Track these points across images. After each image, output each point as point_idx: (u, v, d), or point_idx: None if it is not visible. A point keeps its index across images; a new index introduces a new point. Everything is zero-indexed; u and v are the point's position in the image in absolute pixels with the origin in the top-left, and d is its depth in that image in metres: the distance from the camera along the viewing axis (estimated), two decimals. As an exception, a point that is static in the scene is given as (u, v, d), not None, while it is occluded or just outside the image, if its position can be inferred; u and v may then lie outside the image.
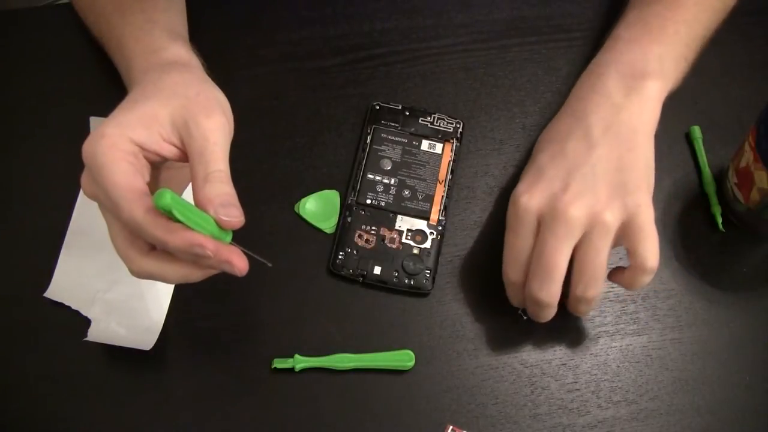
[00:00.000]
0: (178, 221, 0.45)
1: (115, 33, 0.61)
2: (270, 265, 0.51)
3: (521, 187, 0.57)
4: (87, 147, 0.47)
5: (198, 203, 0.47)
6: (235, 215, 0.47)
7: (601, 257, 0.53)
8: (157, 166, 0.50)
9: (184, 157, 0.49)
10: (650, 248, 0.53)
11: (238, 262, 0.48)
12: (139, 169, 0.48)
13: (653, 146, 0.56)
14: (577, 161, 0.55)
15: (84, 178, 0.49)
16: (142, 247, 0.48)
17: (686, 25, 0.61)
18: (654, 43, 0.59)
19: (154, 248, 0.48)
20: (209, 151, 0.48)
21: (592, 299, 0.55)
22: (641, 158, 0.55)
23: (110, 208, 0.47)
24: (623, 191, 0.53)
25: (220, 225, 0.47)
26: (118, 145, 0.47)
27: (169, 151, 0.49)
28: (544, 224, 0.54)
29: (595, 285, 0.54)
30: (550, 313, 0.56)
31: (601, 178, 0.54)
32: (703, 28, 0.62)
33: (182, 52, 0.57)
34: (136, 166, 0.47)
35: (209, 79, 0.54)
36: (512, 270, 0.56)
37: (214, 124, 0.49)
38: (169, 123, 0.49)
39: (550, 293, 0.54)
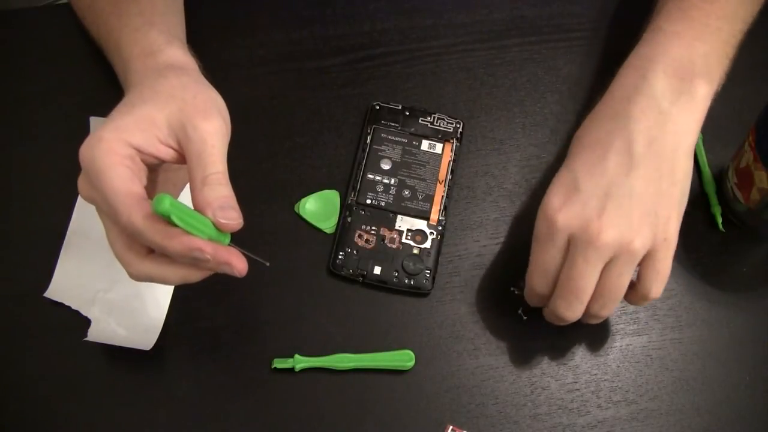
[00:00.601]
0: (177, 226, 0.45)
1: (113, 35, 0.61)
2: (267, 264, 0.51)
3: (555, 201, 0.54)
4: (84, 151, 0.47)
5: (196, 206, 0.47)
6: (233, 218, 0.47)
7: (623, 281, 0.53)
8: (153, 168, 0.51)
9: (182, 159, 0.49)
10: (659, 283, 0.54)
11: (237, 264, 0.48)
12: (137, 173, 0.48)
13: (692, 160, 0.55)
14: (615, 181, 0.53)
15: (81, 181, 0.49)
16: (140, 250, 0.48)
17: (727, 21, 0.59)
18: (698, 40, 0.57)
19: (152, 251, 0.49)
20: (207, 153, 0.48)
21: (605, 317, 0.56)
22: (678, 184, 0.54)
23: (108, 213, 0.47)
24: (655, 220, 0.53)
25: (218, 228, 0.47)
26: (116, 149, 0.47)
27: (166, 153, 0.49)
28: (575, 246, 0.53)
29: (612, 305, 0.54)
30: (568, 323, 0.56)
31: (637, 203, 0.53)
32: (742, 22, 0.60)
33: (179, 54, 0.57)
34: (134, 170, 0.48)
35: (206, 82, 0.54)
36: (539, 283, 0.56)
37: (212, 127, 0.49)
38: (167, 126, 0.49)
39: (575, 313, 0.54)
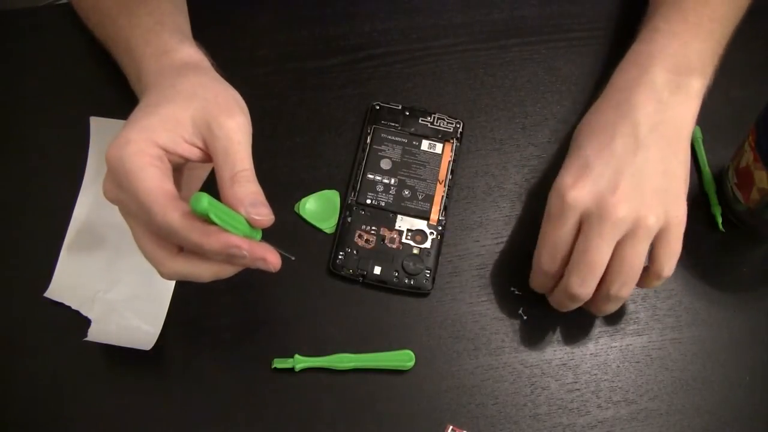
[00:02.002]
0: (213, 223, 0.45)
1: (122, 35, 0.61)
2: (293, 258, 0.52)
3: (567, 179, 0.55)
4: (113, 153, 0.47)
5: (227, 203, 0.47)
6: (265, 214, 0.48)
7: (640, 258, 0.54)
8: (177, 168, 0.51)
9: (207, 158, 0.50)
10: (673, 260, 0.55)
11: (272, 259, 0.48)
12: (165, 173, 0.48)
13: (690, 150, 0.57)
14: (624, 160, 0.55)
15: (107, 184, 0.49)
16: (170, 248, 0.48)
17: (719, 23, 0.62)
18: (694, 40, 0.60)
19: (182, 249, 0.49)
20: (234, 150, 0.48)
21: (624, 298, 0.55)
22: (683, 163, 0.56)
23: (139, 213, 0.47)
24: (666, 198, 0.54)
25: (251, 224, 0.47)
26: (145, 150, 0.47)
27: (191, 152, 0.49)
28: (589, 222, 0.54)
29: (630, 284, 0.55)
30: (577, 305, 0.56)
31: (648, 181, 0.54)
32: (731, 25, 0.63)
33: (192, 52, 0.57)
34: (163, 169, 0.48)
35: (223, 80, 0.55)
36: (548, 261, 0.56)
37: (237, 124, 0.49)
38: (191, 125, 0.49)
39: (589, 289, 0.54)
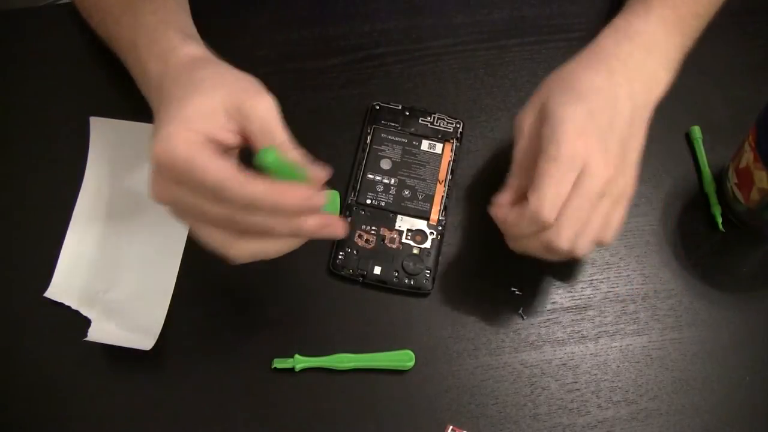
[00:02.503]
0: (279, 177, 0.47)
1: (125, 35, 0.61)
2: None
3: (574, 125, 0.53)
4: (160, 150, 0.47)
5: None
6: (319, 169, 0.49)
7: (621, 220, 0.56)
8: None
9: (245, 141, 0.50)
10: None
11: (338, 222, 0.50)
12: (219, 153, 0.48)
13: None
14: (622, 124, 0.55)
15: (157, 185, 0.49)
16: (235, 233, 0.49)
17: (698, 18, 0.62)
18: (677, 34, 0.61)
19: (245, 232, 0.49)
20: (272, 126, 0.49)
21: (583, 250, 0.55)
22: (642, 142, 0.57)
23: (205, 200, 0.47)
24: (633, 170, 0.56)
25: (313, 178, 0.49)
26: (193, 138, 0.47)
27: (230, 138, 0.50)
28: (589, 177, 0.53)
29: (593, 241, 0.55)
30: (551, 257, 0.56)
31: (631, 151, 0.56)
32: (706, 21, 0.64)
33: (199, 50, 0.57)
34: (217, 150, 0.48)
35: (235, 69, 0.55)
36: (550, 211, 0.52)
37: (266, 102, 0.50)
38: (223, 112, 0.49)
39: (580, 247, 0.53)
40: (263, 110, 0.49)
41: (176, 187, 0.48)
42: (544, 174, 0.52)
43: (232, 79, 0.52)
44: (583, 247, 0.53)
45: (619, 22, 0.61)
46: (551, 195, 0.52)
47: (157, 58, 0.56)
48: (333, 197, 0.50)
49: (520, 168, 0.56)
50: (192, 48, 0.56)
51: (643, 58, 0.59)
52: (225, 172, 0.46)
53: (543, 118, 0.55)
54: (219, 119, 0.49)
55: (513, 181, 0.57)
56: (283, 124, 0.50)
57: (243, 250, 0.49)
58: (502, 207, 0.57)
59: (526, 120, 0.57)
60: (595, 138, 0.53)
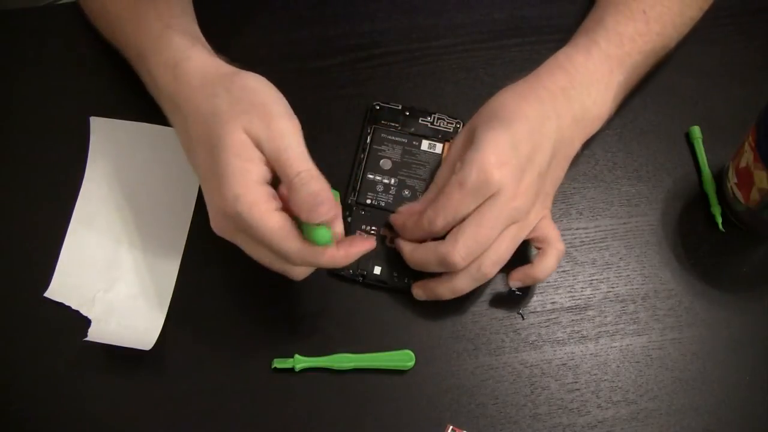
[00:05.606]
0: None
1: (131, 41, 0.61)
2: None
3: (492, 157, 0.54)
4: (231, 211, 0.50)
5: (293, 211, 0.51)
6: (323, 213, 0.49)
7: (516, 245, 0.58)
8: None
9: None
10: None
11: (365, 245, 0.54)
12: (277, 204, 0.51)
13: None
14: (544, 155, 0.57)
15: (222, 224, 0.53)
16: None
17: (643, 56, 0.63)
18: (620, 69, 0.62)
19: None
20: (284, 158, 0.50)
21: (485, 277, 0.57)
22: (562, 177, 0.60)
23: (261, 245, 0.52)
24: (546, 201, 0.59)
25: (320, 224, 0.50)
26: (258, 199, 0.50)
27: (268, 173, 0.52)
28: (495, 200, 0.55)
29: (497, 265, 0.57)
30: (439, 270, 0.58)
31: (548, 181, 0.58)
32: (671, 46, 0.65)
33: (205, 58, 0.57)
34: (275, 203, 0.51)
35: (246, 74, 0.55)
36: (442, 226, 0.56)
37: (278, 131, 0.51)
38: (254, 148, 0.51)
39: (468, 262, 0.55)
40: (274, 139, 0.51)
41: (238, 232, 0.52)
42: (448, 194, 0.55)
43: (247, 102, 0.52)
44: (486, 267, 0.56)
45: (561, 56, 0.61)
46: (449, 211, 0.55)
47: (165, 67, 0.56)
48: (333, 197, 0.50)
49: (436, 186, 0.60)
50: (199, 60, 0.56)
51: (578, 93, 0.59)
52: (276, 235, 0.50)
53: (469, 143, 0.57)
54: (259, 158, 0.51)
55: (428, 195, 0.60)
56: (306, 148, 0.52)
57: (300, 272, 0.55)
58: (402, 214, 0.60)
59: (456, 143, 0.60)
60: (512, 168, 0.54)
